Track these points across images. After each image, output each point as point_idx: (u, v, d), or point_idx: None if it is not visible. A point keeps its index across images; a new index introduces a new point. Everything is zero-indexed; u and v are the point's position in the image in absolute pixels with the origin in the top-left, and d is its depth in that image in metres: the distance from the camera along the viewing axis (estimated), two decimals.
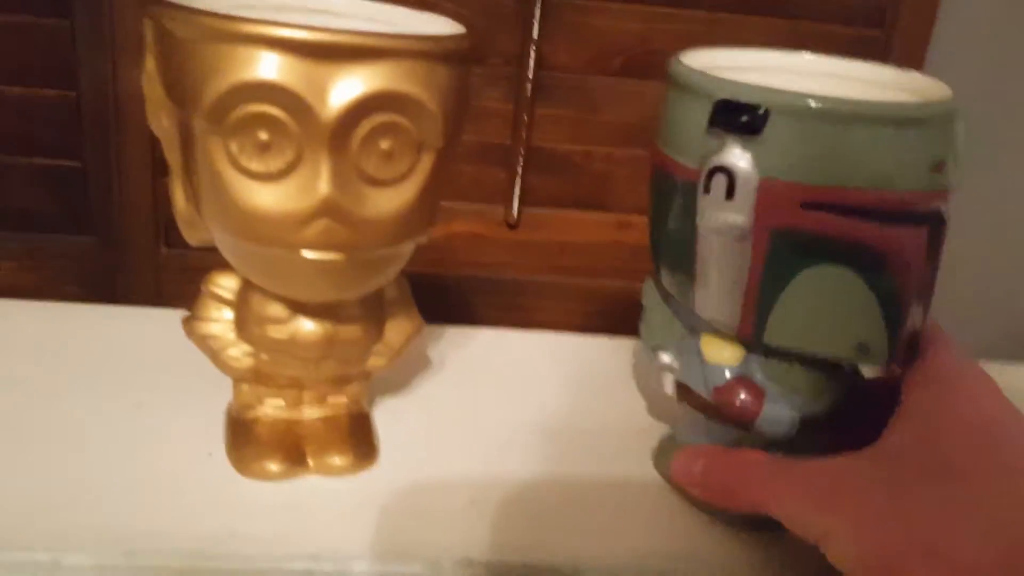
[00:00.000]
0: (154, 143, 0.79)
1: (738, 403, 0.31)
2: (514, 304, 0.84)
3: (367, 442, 0.36)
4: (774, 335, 0.30)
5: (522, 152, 0.78)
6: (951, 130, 0.28)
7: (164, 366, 0.40)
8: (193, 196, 0.30)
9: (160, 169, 0.83)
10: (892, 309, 0.29)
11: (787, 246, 0.28)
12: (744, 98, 0.27)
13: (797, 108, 0.27)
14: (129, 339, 0.43)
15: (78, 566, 0.29)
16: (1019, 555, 0.23)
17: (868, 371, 0.30)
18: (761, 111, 0.27)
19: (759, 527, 0.33)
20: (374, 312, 0.34)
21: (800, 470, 0.28)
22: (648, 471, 0.36)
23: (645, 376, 0.36)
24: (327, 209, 0.28)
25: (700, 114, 0.28)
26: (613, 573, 0.31)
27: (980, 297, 0.99)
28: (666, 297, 0.34)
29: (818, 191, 0.28)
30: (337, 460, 0.34)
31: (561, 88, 0.76)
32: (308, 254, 0.29)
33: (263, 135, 0.27)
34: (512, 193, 0.80)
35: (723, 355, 0.32)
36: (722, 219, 0.29)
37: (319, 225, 0.28)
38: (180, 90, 0.28)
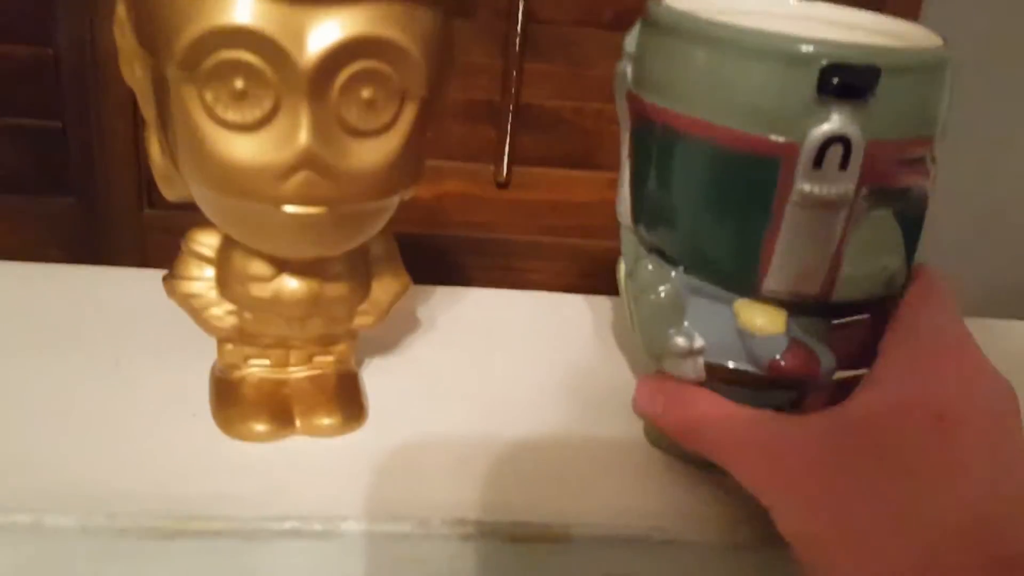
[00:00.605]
0: (135, 101, 0.77)
1: (804, 367, 0.29)
2: (504, 264, 0.84)
3: (355, 402, 0.35)
4: (842, 291, 0.29)
5: (511, 109, 0.76)
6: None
7: (147, 326, 0.39)
8: (169, 150, 0.29)
9: (142, 128, 0.81)
10: (910, 239, 0.29)
11: (874, 205, 0.28)
12: (855, 60, 0.25)
13: (902, 65, 0.26)
14: (111, 300, 0.42)
15: (60, 527, 0.29)
16: (940, 556, 0.23)
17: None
18: (872, 72, 0.25)
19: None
20: (360, 270, 0.34)
21: (753, 433, 0.27)
22: (638, 430, 0.36)
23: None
24: (307, 161, 0.27)
25: (784, 79, 0.26)
26: (603, 532, 0.31)
27: (967, 248, 0.99)
28: (669, 277, 0.32)
29: (912, 145, 0.27)
30: (325, 420, 0.34)
31: (551, 42, 0.75)
32: (289, 209, 0.28)
33: (239, 83, 0.26)
34: (502, 152, 0.78)
35: (774, 324, 0.30)
36: (835, 191, 0.27)
37: (299, 178, 0.27)
38: (152, 37, 0.27)
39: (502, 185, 0.82)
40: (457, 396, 0.37)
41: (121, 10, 0.29)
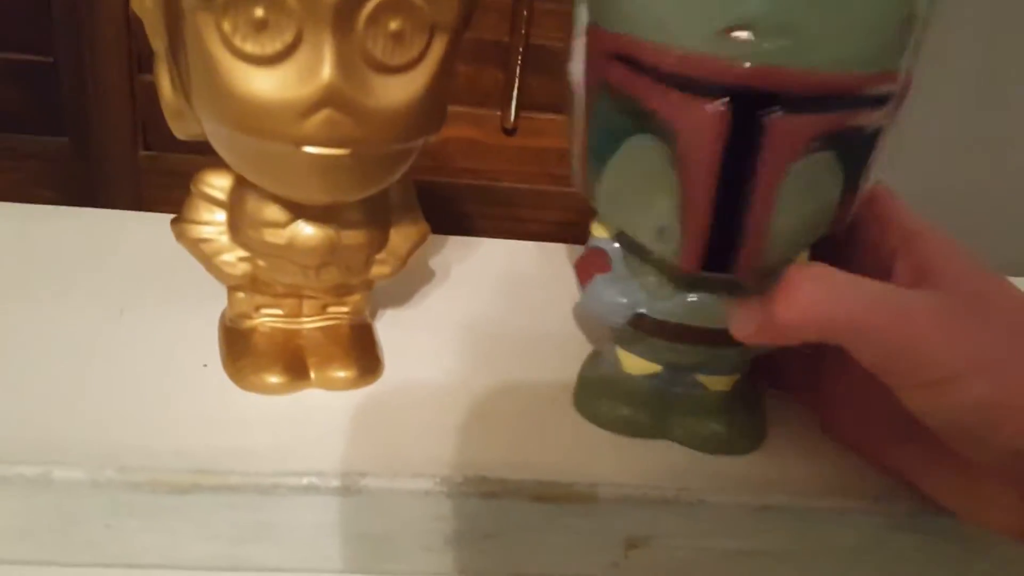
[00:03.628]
0: (131, 36, 0.74)
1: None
2: (511, 214, 0.82)
3: (371, 355, 0.34)
4: (602, 202, 0.29)
5: (521, 51, 0.73)
6: None
7: (150, 272, 0.38)
8: (181, 84, 0.28)
9: (138, 65, 0.78)
10: (684, 196, 0.25)
11: (603, 105, 0.26)
12: None
13: None
14: (113, 244, 0.41)
15: (70, 480, 0.28)
16: None
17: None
18: None
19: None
20: (378, 217, 0.32)
21: (921, 303, 0.25)
22: None
23: None
24: (330, 98, 0.25)
25: None
26: (629, 493, 0.30)
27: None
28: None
29: (617, 40, 0.25)
30: (340, 373, 0.33)
31: None
32: (309, 149, 0.26)
33: (259, 12, 0.24)
34: (510, 96, 0.76)
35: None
36: (569, 69, 0.27)
37: (321, 116, 0.25)
38: None
39: (509, 131, 0.79)
40: (475, 349, 0.36)
41: None
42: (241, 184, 0.30)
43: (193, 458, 0.28)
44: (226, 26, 0.24)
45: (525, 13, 0.72)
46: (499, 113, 0.81)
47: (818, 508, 0.30)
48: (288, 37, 0.24)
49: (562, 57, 0.29)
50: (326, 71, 0.25)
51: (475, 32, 0.77)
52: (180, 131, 0.30)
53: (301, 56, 0.25)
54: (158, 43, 0.28)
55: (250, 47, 0.24)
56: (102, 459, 0.28)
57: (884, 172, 0.29)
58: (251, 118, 0.25)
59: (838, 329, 0.25)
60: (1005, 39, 0.58)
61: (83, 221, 0.43)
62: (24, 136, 0.82)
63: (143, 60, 0.69)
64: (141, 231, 0.41)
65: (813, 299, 0.25)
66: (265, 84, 0.25)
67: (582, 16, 0.27)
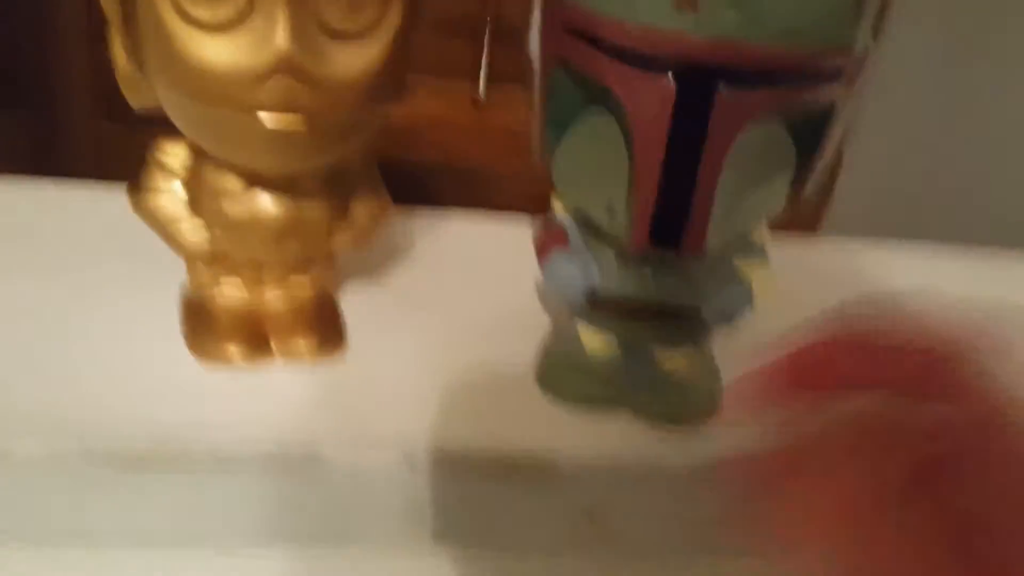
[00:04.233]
0: (90, 8, 0.73)
1: None
2: (480, 189, 0.82)
3: (333, 327, 0.34)
4: (558, 178, 0.29)
5: (489, 22, 0.73)
6: None
7: (110, 244, 0.37)
8: (135, 52, 0.27)
9: (100, 34, 0.77)
10: (632, 172, 0.25)
11: (558, 80, 0.27)
12: None
13: None
14: (72, 216, 0.40)
15: (29, 455, 0.27)
16: None
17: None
18: None
19: None
20: (338, 188, 0.32)
21: None
22: None
23: None
24: (285, 65, 0.25)
25: None
26: (590, 463, 0.30)
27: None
28: None
29: (573, 13, 0.25)
30: (302, 344, 0.33)
31: None
32: (265, 117, 0.26)
33: None
34: (479, 69, 0.75)
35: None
36: (528, 43, 0.27)
37: (276, 83, 0.25)
38: None
39: (478, 105, 0.79)
40: (439, 323, 0.36)
41: None
42: (199, 154, 0.30)
43: (154, 430, 0.28)
44: None
45: None
46: (468, 85, 0.80)
47: None
48: (241, 3, 0.24)
49: (522, 30, 0.29)
50: (280, 38, 0.24)
51: (443, 2, 0.77)
52: (135, 100, 0.29)
53: (255, 22, 0.24)
54: (112, 9, 0.28)
55: (203, 13, 0.24)
56: (63, 432, 0.28)
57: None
58: (205, 86, 0.25)
59: None
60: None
61: (40, 193, 0.42)
62: None
63: (104, 27, 0.68)
64: (101, 203, 0.41)
65: None
66: (218, 51, 0.25)
67: None
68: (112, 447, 0.28)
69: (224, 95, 0.25)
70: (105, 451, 0.28)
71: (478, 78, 0.76)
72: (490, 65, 0.78)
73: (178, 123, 0.28)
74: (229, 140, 0.27)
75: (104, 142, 0.81)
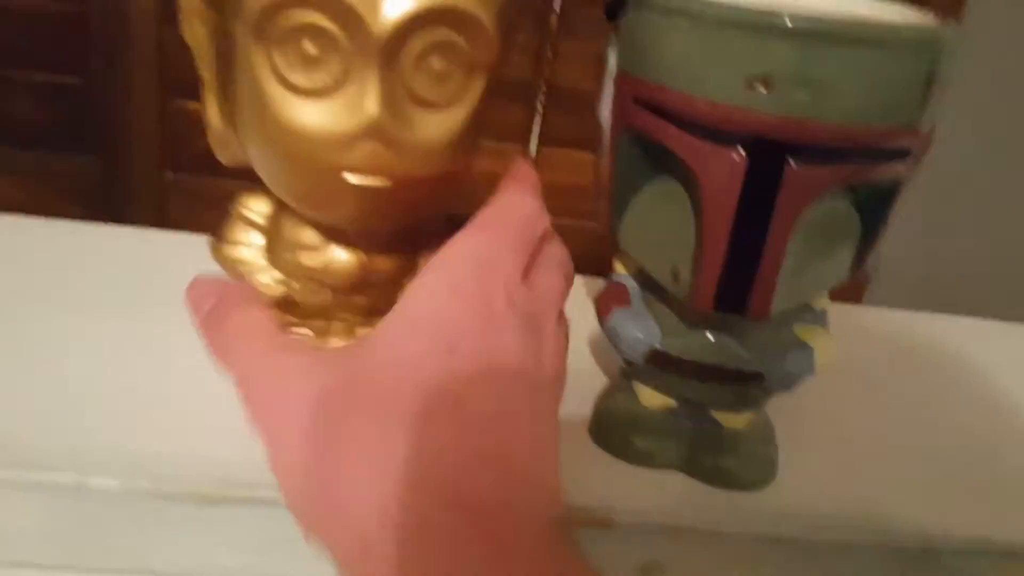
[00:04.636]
0: (163, 62, 0.77)
1: None
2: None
3: None
4: (623, 240, 0.30)
5: (544, 89, 0.75)
6: (778, 46, 0.24)
7: (180, 289, 0.39)
8: (229, 112, 0.29)
9: (168, 88, 0.81)
10: (700, 238, 0.26)
11: (628, 148, 0.28)
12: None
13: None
14: (138, 261, 0.42)
15: (103, 489, 0.29)
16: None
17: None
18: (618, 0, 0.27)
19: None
20: (408, 243, 0.33)
21: (274, 362, 0.24)
22: None
23: None
24: (374, 131, 0.26)
25: None
26: (647, 520, 0.31)
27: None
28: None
29: (643, 87, 0.26)
30: None
31: (588, 22, 0.74)
32: (351, 178, 0.27)
33: (310, 48, 0.25)
34: (531, 132, 0.78)
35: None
36: (599, 112, 0.29)
37: (365, 147, 0.26)
38: None
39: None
40: None
41: None
42: (280, 208, 0.32)
43: (223, 469, 0.29)
44: (278, 60, 0.26)
45: (550, 53, 0.74)
46: (520, 147, 0.83)
47: (828, 542, 0.31)
48: (337, 72, 0.26)
49: (592, 100, 0.30)
50: (371, 106, 0.26)
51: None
52: (224, 157, 0.31)
53: (348, 91, 0.26)
54: (207, 72, 0.29)
55: (300, 80, 0.26)
56: (135, 469, 0.29)
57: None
58: (298, 148, 0.27)
59: None
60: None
61: (109, 238, 0.44)
62: (53, 153, 0.84)
63: (174, 86, 0.71)
64: (167, 249, 0.43)
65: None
66: (313, 116, 0.26)
67: (612, 62, 0.29)
68: (185, 484, 0.29)
69: (314, 156, 0.27)
70: (176, 488, 0.29)
71: (528, 140, 0.78)
72: (542, 129, 0.80)
73: (266, 179, 0.30)
74: (315, 198, 0.29)
75: (166, 190, 0.85)
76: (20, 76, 0.81)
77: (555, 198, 0.94)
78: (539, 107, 0.74)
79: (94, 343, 0.35)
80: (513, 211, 0.26)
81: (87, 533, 0.29)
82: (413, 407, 0.22)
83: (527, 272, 0.25)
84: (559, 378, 0.26)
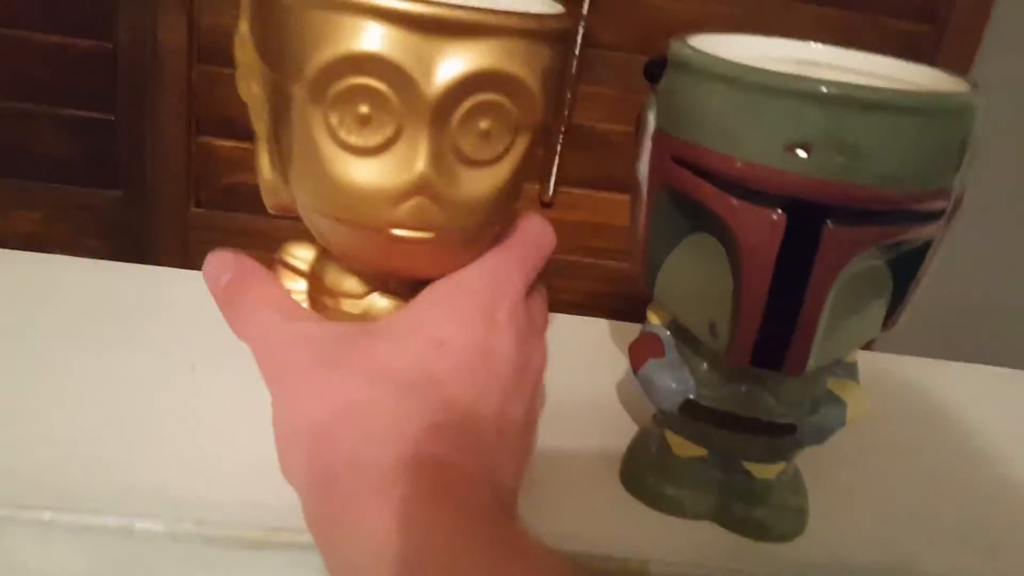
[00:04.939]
0: (190, 100, 0.78)
1: None
2: (544, 283, 0.84)
3: None
4: (659, 292, 0.31)
5: (562, 130, 0.77)
6: (815, 112, 0.25)
7: (217, 329, 0.40)
8: (280, 164, 0.30)
9: (195, 126, 0.82)
10: (737, 295, 0.27)
11: (666, 204, 0.29)
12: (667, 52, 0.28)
13: (679, 60, 0.27)
14: (173, 299, 0.43)
15: (149, 532, 0.29)
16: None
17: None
18: (659, 61, 0.28)
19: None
20: None
21: (288, 332, 0.28)
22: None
23: None
24: (422, 187, 0.27)
25: None
26: (682, 571, 0.31)
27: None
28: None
29: (682, 146, 0.27)
30: None
31: (607, 66, 0.75)
32: (398, 232, 0.28)
33: (364, 108, 0.26)
34: (549, 171, 0.79)
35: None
36: (637, 167, 0.30)
37: (412, 203, 0.27)
38: (278, 57, 0.27)
39: (547, 204, 0.82)
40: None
41: (244, 26, 0.29)
42: (323, 256, 0.32)
43: (268, 515, 0.30)
44: (333, 119, 0.27)
45: (568, 95, 0.75)
46: (538, 187, 0.84)
47: None
48: (389, 132, 0.27)
49: (632, 156, 0.31)
50: (420, 163, 0.27)
51: None
52: (272, 206, 0.32)
53: (399, 149, 0.27)
54: (260, 126, 0.30)
55: (354, 139, 0.27)
56: (180, 512, 0.29)
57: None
58: (348, 203, 0.28)
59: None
60: None
61: (141, 276, 0.45)
62: (79, 188, 0.86)
63: (201, 123, 0.72)
64: (200, 287, 0.43)
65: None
66: (364, 173, 0.27)
67: (650, 120, 0.30)
68: (229, 529, 0.29)
69: (364, 212, 0.27)
70: (222, 533, 0.29)
71: (546, 180, 0.80)
72: (559, 168, 0.82)
73: (312, 228, 0.30)
74: (361, 249, 0.30)
75: (190, 226, 0.86)
76: (48, 111, 0.82)
77: (571, 235, 0.96)
78: (557, 148, 0.75)
79: (137, 384, 0.36)
80: (528, 232, 0.30)
81: (132, 575, 0.30)
82: (397, 376, 0.25)
83: (528, 292, 0.29)
84: (540, 392, 0.29)
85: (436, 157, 0.27)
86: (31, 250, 0.45)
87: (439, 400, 0.25)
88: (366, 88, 0.26)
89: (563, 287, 0.88)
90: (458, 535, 0.22)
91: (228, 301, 0.29)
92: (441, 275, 0.32)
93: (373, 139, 0.27)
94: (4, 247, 0.46)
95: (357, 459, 0.23)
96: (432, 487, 0.23)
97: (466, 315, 0.27)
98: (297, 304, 0.31)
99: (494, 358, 0.26)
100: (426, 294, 0.28)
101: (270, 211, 0.33)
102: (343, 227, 0.29)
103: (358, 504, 0.23)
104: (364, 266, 0.31)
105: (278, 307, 0.29)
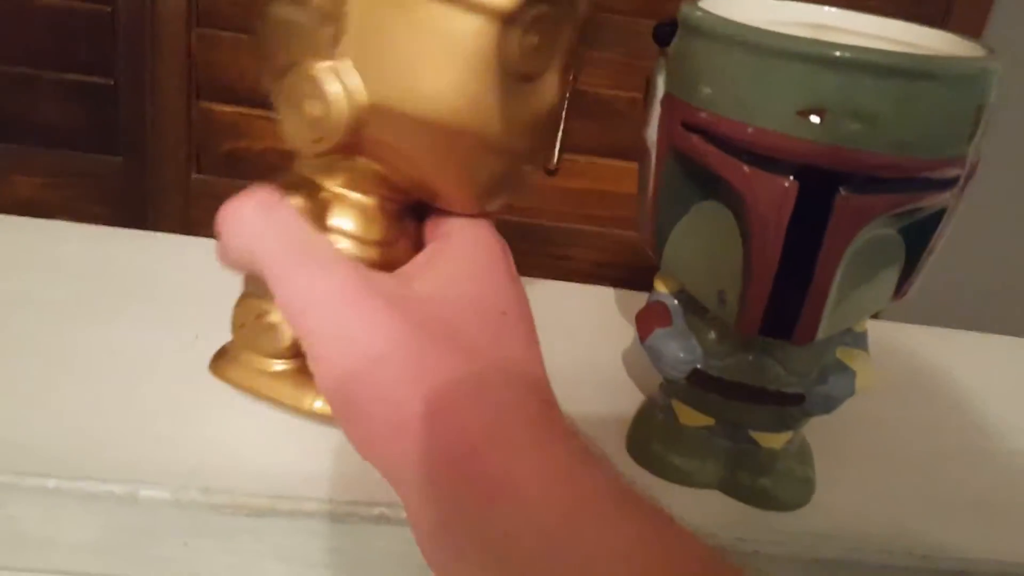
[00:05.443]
0: (191, 64, 0.77)
1: None
2: (545, 251, 0.83)
3: None
4: (668, 260, 0.30)
5: (567, 96, 0.75)
6: (830, 77, 0.24)
7: (222, 298, 0.39)
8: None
9: (196, 91, 0.81)
10: (748, 263, 0.27)
11: (675, 171, 0.28)
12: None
13: (690, 23, 0.27)
14: (188, 266, 0.42)
15: (154, 499, 0.29)
16: None
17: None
18: (668, 24, 0.27)
19: None
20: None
21: (303, 255, 0.25)
22: None
23: None
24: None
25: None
26: None
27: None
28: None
29: (692, 111, 0.27)
30: None
31: (611, 30, 0.74)
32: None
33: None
34: (555, 138, 0.77)
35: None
36: (646, 133, 0.29)
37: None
38: None
39: (551, 172, 0.81)
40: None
41: None
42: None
43: (272, 483, 0.30)
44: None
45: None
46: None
47: (865, 563, 0.31)
48: None
49: (640, 122, 0.31)
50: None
51: None
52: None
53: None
54: None
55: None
56: (185, 479, 0.29)
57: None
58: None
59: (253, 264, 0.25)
60: None
61: (143, 242, 0.44)
62: (81, 154, 0.85)
63: (201, 88, 0.71)
64: (206, 255, 0.43)
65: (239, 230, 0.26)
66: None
67: (660, 86, 0.29)
68: (233, 496, 0.29)
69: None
70: (226, 500, 0.29)
71: (553, 147, 0.79)
72: (564, 135, 0.81)
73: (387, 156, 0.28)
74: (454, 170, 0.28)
75: (192, 192, 0.85)
76: (47, 76, 0.81)
77: (575, 203, 0.94)
78: (562, 114, 0.74)
79: (140, 350, 0.36)
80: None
81: (138, 543, 0.30)
82: (412, 306, 0.23)
83: None
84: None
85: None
86: (32, 216, 0.45)
87: (453, 334, 0.23)
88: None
89: (569, 255, 0.88)
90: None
91: (243, 228, 0.26)
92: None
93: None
94: (5, 212, 0.45)
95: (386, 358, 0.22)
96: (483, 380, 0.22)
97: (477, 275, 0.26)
98: (311, 228, 0.27)
99: (500, 303, 0.26)
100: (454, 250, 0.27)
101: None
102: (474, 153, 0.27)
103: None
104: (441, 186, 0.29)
105: (292, 233, 0.26)
